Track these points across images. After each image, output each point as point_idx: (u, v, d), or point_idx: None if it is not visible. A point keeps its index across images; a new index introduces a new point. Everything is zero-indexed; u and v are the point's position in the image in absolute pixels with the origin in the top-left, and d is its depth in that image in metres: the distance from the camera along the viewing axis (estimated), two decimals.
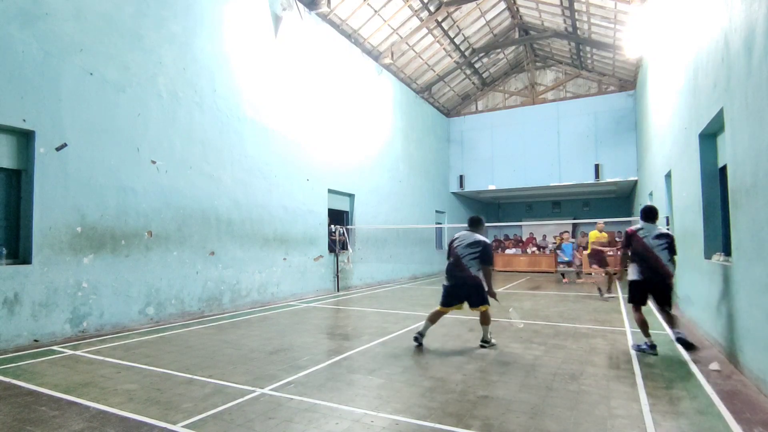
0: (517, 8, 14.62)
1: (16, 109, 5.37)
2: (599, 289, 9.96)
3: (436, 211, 17.99)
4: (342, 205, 12.23)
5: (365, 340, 5.73)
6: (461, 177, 18.96)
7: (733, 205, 4.42)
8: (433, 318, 5.38)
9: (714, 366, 4.37)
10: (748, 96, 3.85)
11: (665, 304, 5.11)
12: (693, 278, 6.61)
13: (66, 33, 5.90)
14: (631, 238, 5.18)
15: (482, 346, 5.30)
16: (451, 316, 7.58)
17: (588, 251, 10.70)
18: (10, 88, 5.33)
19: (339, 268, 11.42)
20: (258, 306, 8.70)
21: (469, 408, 3.37)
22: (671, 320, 5.16)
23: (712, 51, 4.97)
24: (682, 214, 7.27)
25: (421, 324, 5.46)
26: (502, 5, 14.30)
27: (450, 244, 5.47)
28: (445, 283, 5.40)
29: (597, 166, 16.33)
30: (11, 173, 5.56)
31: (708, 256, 5.70)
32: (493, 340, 5.38)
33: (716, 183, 5.73)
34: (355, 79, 12.63)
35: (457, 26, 14.28)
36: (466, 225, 5.60)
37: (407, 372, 4.29)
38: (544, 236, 20.89)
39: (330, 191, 11.41)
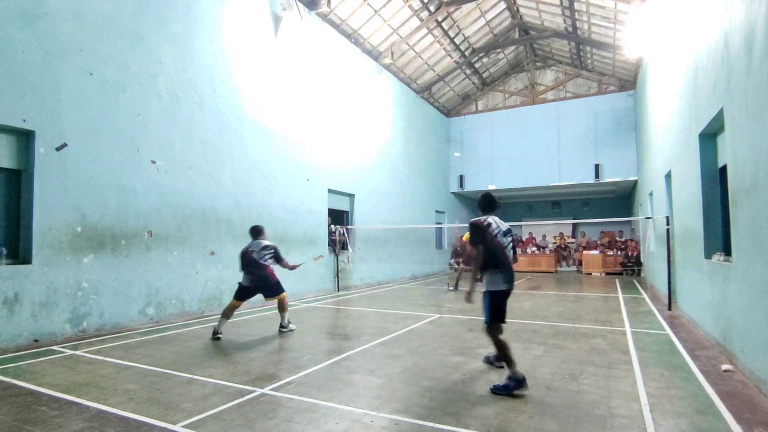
0: (517, 8, 14.62)
1: (16, 109, 5.37)
2: (456, 282, 11.65)
3: (436, 211, 17.99)
4: (342, 205, 12.23)
5: (365, 340, 5.73)
6: (461, 177, 18.97)
7: (733, 205, 4.42)
8: (227, 313, 6.04)
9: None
10: (748, 96, 3.85)
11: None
12: (693, 278, 6.61)
13: (66, 33, 5.90)
14: (484, 232, 3.94)
15: (281, 331, 6.15)
16: (450, 316, 7.58)
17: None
18: (10, 88, 5.33)
19: (339, 268, 11.42)
20: (258, 306, 8.70)
21: (468, 408, 3.37)
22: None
23: (712, 51, 4.97)
24: (682, 214, 7.27)
25: (217, 322, 6.06)
26: (502, 5, 14.30)
27: (244, 252, 6.15)
28: (244, 283, 6.14)
29: (597, 166, 16.33)
30: (11, 173, 5.56)
31: (708, 255, 5.70)
32: (291, 325, 6.28)
33: (716, 183, 5.73)
34: (355, 79, 12.63)
35: (457, 26, 14.28)
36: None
37: (407, 372, 4.29)
38: (544, 236, 20.90)
39: (330, 191, 11.41)
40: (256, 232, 6.44)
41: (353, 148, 12.42)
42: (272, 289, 6.20)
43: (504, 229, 4.03)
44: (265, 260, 6.13)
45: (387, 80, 14.37)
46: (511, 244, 4.06)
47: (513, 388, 3.60)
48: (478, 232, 3.94)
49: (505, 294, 3.92)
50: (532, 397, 3.59)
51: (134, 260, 6.58)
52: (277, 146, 9.52)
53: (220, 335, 5.88)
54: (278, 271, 6.33)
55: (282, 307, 6.21)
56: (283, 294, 6.27)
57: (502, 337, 3.82)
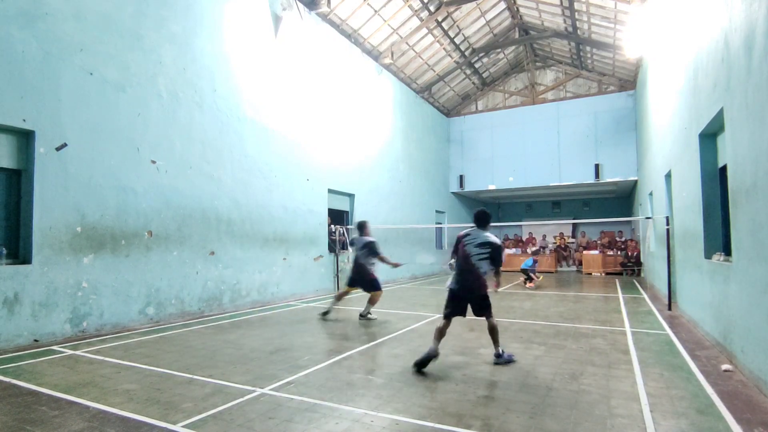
0: (517, 8, 14.62)
1: (16, 109, 5.37)
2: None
3: (436, 211, 17.98)
4: (342, 205, 12.23)
5: (365, 340, 5.73)
6: (461, 177, 18.97)
7: (733, 205, 4.42)
8: (340, 296, 7.34)
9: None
10: (748, 96, 3.85)
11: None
12: (693, 278, 6.61)
13: (66, 33, 5.90)
14: (457, 243, 4.77)
15: (364, 316, 6.91)
16: None
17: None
18: (10, 88, 5.32)
19: (339, 268, 11.42)
20: (258, 306, 8.70)
21: (469, 408, 3.37)
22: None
23: (712, 51, 4.97)
24: (682, 214, 7.27)
25: (329, 302, 7.29)
26: (502, 5, 14.30)
27: (350, 243, 7.27)
28: (350, 273, 7.20)
29: (597, 166, 16.32)
30: (11, 173, 5.56)
31: (708, 255, 5.70)
32: (370, 315, 6.97)
33: (716, 183, 5.73)
34: (355, 79, 12.63)
35: (457, 26, 14.27)
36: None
37: (407, 372, 4.29)
38: (544, 236, 20.90)
39: (330, 191, 11.41)
40: (360, 227, 7.07)
41: (353, 148, 12.42)
42: (366, 285, 6.87)
43: (480, 241, 4.63)
44: (364, 258, 6.76)
45: (387, 80, 14.36)
46: (487, 254, 4.59)
47: (428, 355, 4.33)
48: (455, 242, 4.84)
49: (452, 292, 4.73)
50: (533, 396, 3.59)
51: (134, 260, 6.58)
52: (277, 146, 9.52)
53: (328, 312, 7.04)
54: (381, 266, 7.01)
55: (371, 301, 6.92)
56: (378, 292, 6.89)
57: (441, 325, 4.60)
